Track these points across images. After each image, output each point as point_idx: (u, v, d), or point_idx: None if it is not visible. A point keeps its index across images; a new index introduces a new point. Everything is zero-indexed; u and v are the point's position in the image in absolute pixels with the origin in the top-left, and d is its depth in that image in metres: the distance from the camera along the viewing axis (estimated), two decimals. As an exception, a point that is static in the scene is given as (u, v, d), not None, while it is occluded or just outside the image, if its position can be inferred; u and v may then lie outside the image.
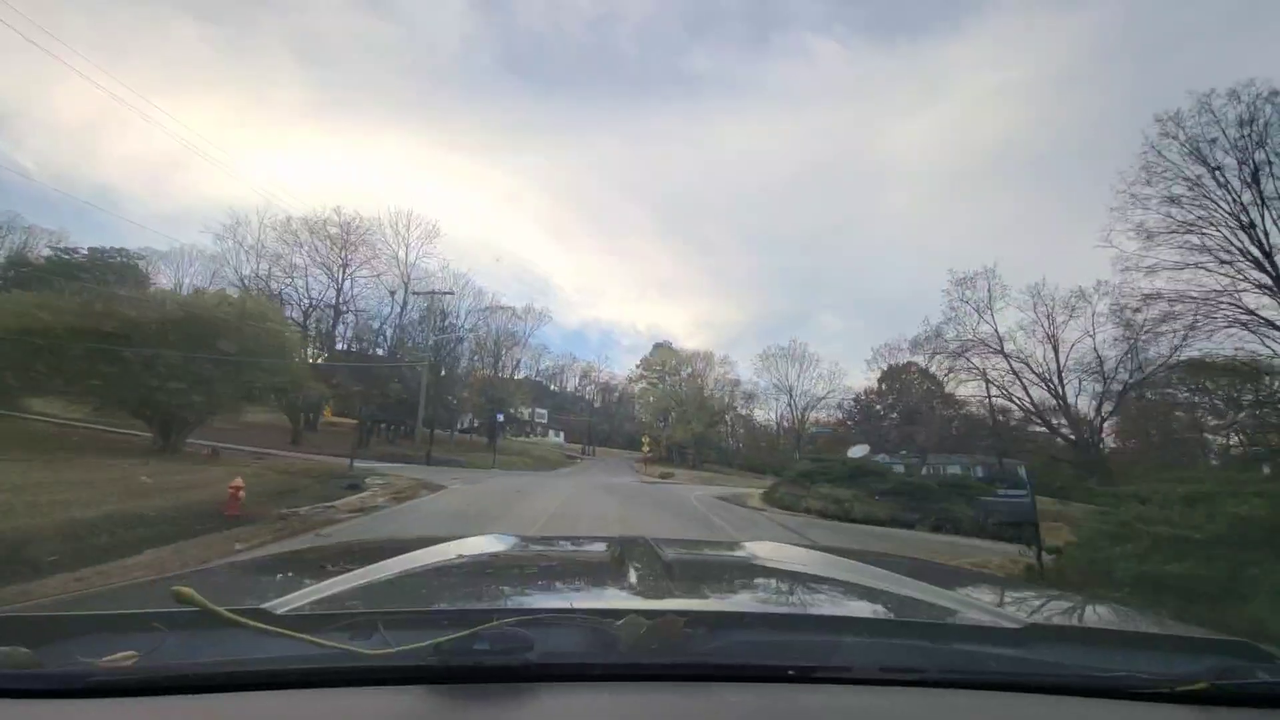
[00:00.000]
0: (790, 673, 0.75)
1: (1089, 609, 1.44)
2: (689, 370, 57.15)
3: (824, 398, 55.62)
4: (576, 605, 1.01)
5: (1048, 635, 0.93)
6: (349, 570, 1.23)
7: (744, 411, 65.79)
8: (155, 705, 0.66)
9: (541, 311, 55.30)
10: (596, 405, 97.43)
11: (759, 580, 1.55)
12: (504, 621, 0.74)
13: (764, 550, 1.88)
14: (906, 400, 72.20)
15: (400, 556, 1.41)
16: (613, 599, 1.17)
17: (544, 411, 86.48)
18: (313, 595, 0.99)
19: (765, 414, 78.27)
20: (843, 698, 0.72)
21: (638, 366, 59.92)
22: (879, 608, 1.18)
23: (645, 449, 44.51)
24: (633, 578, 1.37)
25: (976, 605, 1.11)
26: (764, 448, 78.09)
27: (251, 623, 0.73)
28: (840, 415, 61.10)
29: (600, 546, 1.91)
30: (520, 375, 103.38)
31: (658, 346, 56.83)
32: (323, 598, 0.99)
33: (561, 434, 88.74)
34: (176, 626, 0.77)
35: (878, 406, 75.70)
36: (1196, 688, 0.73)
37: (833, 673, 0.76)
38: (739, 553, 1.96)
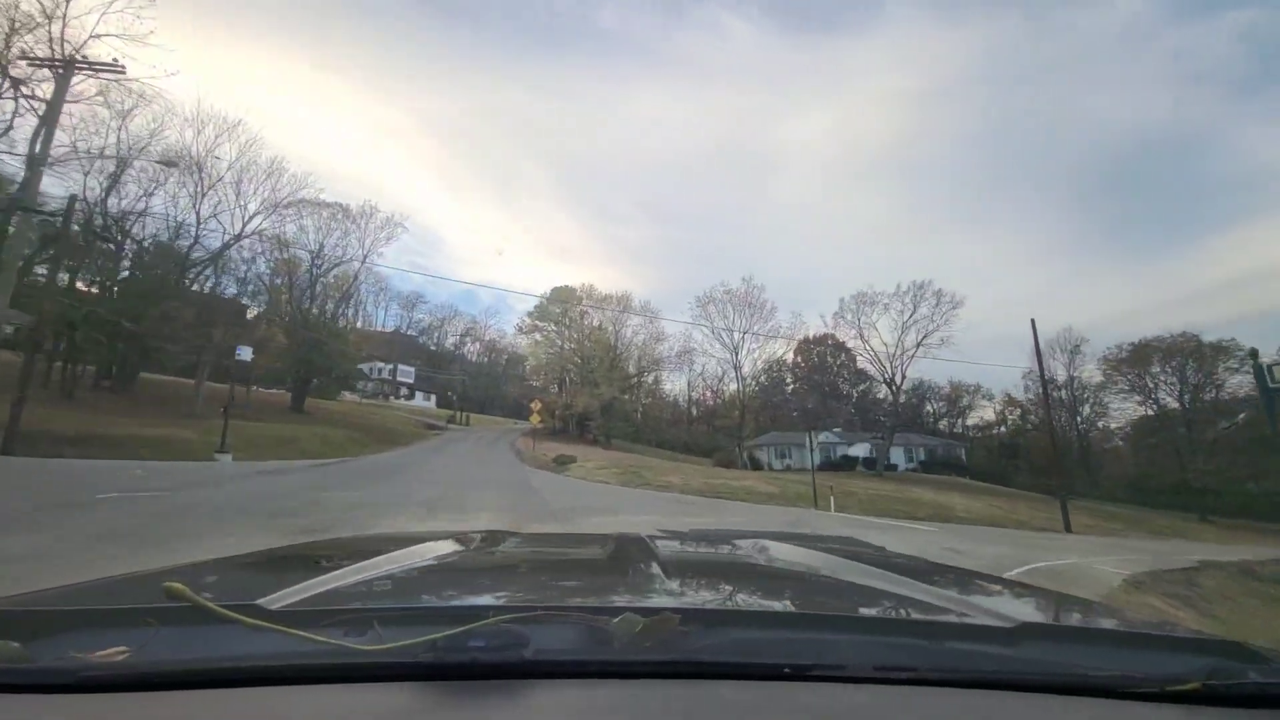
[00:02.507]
0: (785, 670, 0.74)
1: (1081, 608, 1.48)
2: (597, 321, 45.14)
3: (779, 356, 47.24)
4: (571, 602, 0.98)
5: (1040, 634, 0.92)
6: (343, 566, 1.22)
7: (677, 374, 55.20)
8: (147, 701, 0.65)
9: (391, 218, 36.56)
10: (483, 366, 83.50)
11: (754, 578, 1.52)
12: (499, 618, 0.74)
13: (760, 549, 1.90)
14: (823, 375, 67.36)
15: (395, 552, 1.41)
16: (608, 596, 1.15)
17: (409, 369, 70.91)
18: (306, 591, 0.97)
19: (674, 383, 69.17)
20: (837, 696, 0.72)
21: (530, 315, 46.68)
22: (873, 606, 1.18)
23: (534, 419, 32.42)
24: (628, 575, 1.39)
25: (970, 604, 1.10)
26: (668, 420, 69.55)
27: (244, 618, 0.73)
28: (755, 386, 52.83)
29: (596, 544, 1.88)
30: (387, 327, 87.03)
31: (557, 289, 44.15)
32: (316, 594, 0.97)
33: (433, 398, 73.99)
34: (168, 622, 0.76)
35: (789, 381, 70.46)
36: (1188, 688, 0.72)
37: (827, 671, 0.75)
38: (735, 551, 1.96)
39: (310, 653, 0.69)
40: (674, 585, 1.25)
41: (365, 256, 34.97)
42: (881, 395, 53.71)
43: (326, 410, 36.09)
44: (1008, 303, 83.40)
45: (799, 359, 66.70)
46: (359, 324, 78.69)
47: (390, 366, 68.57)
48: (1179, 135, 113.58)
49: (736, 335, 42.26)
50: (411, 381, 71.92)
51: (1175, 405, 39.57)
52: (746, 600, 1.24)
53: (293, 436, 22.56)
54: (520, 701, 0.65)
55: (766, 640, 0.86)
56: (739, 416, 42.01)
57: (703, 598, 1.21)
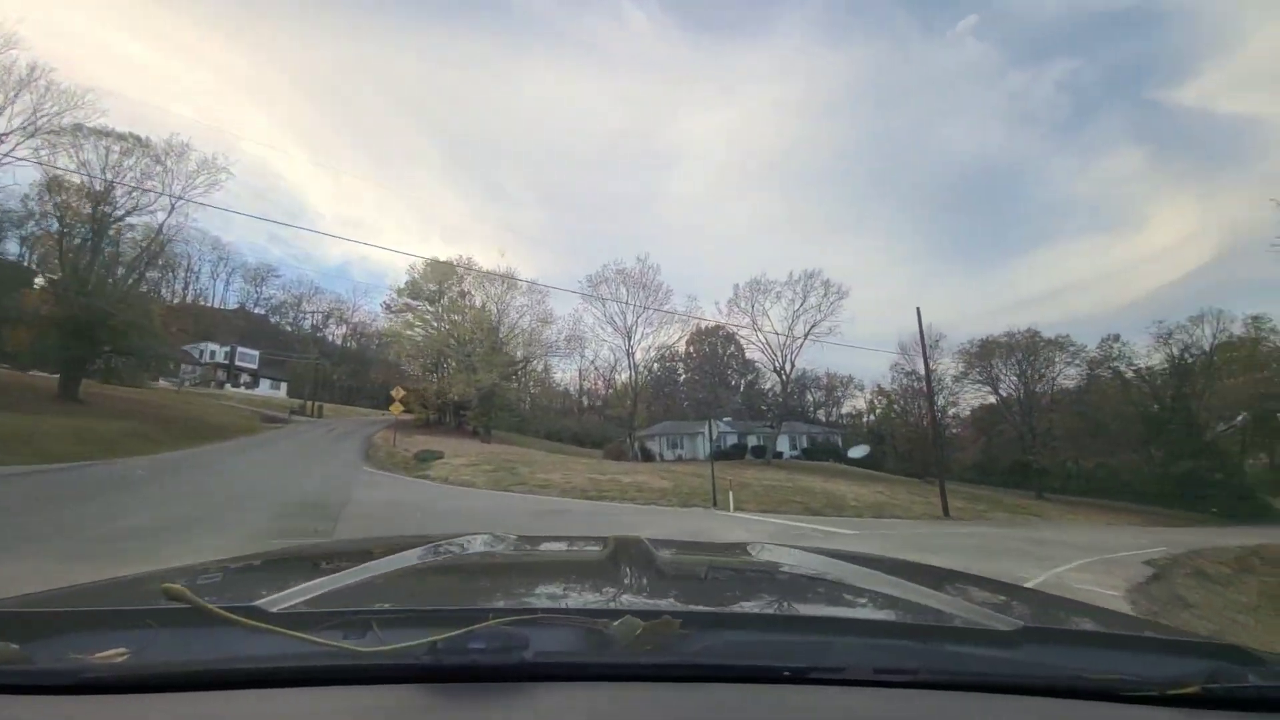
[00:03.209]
0: (785, 673, 0.75)
1: (1081, 611, 1.48)
2: (480, 301, 40.55)
3: (672, 344, 43.98)
4: (572, 605, 1.00)
5: (1040, 637, 0.92)
6: (342, 568, 1.22)
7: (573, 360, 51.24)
8: (146, 702, 0.65)
9: (211, 160, 27.28)
10: (349, 351, 74.04)
11: (754, 581, 1.53)
12: (499, 620, 0.74)
13: (760, 552, 1.88)
14: (715, 364, 68.03)
15: (395, 554, 1.41)
16: (608, 599, 1.15)
17: (251, 353, 60.75)
18: (306, 593, 0.96)
19: (565, 372, 66.03)
20: (836, 698, 0.72)
21: (400, 290, 40.70)
22: (873, 609, 1.18)
23: (396, 409, 27.80)
24: (628, 578, 1.38)
25: (969, 607, 1.09)
26: (558, 411, 66.36)
27: (243, 620, 0.72)
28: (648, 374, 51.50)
29: (596, 546, 1.88)
30: (229, 304, 73.95)
31: (432, 263, 38.91)
32: (316, 596, 0.97)
33: (283, 386, 64.01)
34: (168, 623, 0.77)
35: (681, 371, 70.46)
36: (1187, 691, 0.73)
37: (827, 674, 0.75)
38: (735, 554, 1.96)
39: (310, 654, 0.69)
40: (673, 588, 1.32)
41: (174, 206, 27.51)
42: (768, 386, 54.90)
43: (122, 399, 28.33)
44: (877, 304, 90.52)
45: (692, 349, 66.86)
46: (188, 297, 66.10)
47: (227, 349, 58.12)
48: (1012, 163, 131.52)
49: (629, 318, 40.01)
50: (254, 367, 61.64)
51: (1016, 394, 44.03)
52: (746, 603, 1.25)
53: (32, 432, 16.50)
54: (520, 704, 0.65)
55: (766, 643, 0.86)
56: (631, 406, 39.96)
57: (702, 601, 1.23)
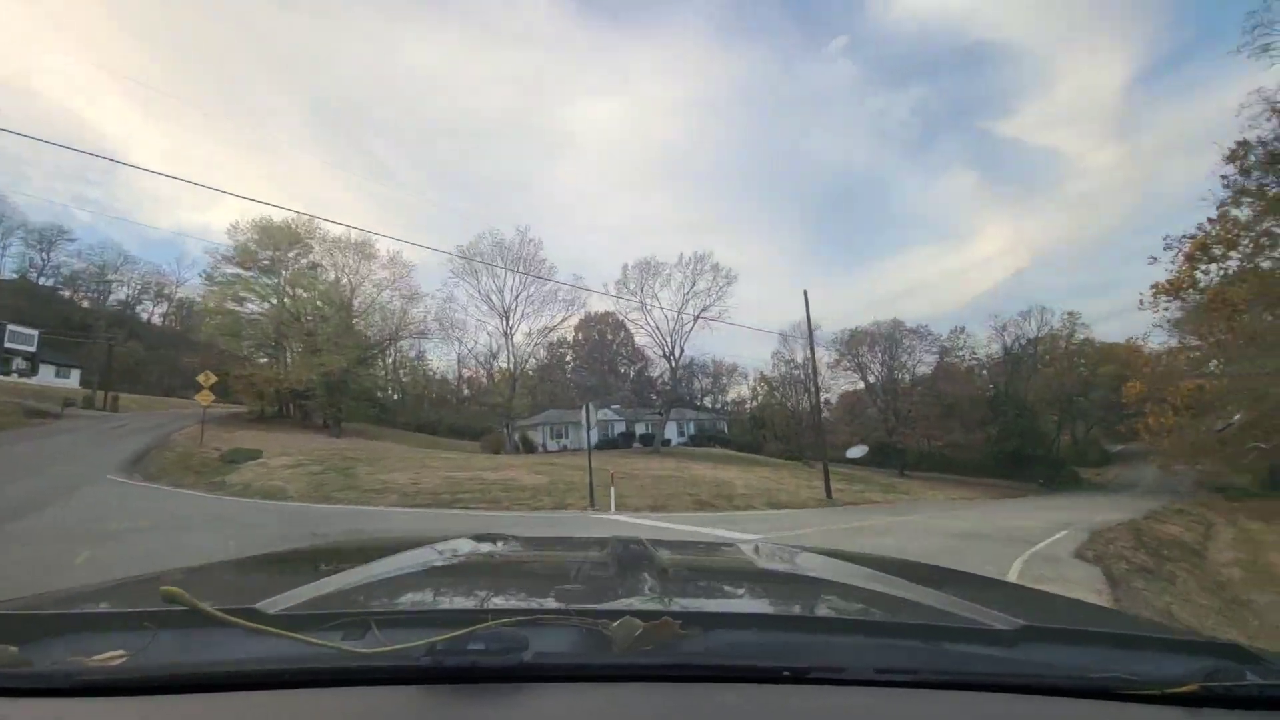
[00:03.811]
0: (785, 674, 0.74)
1: (1081, 610, 1.51)
2: (331, 274, 34.56)
3: (556, 326, 40.08)
4: (571, 606, 0.98)
5: (1040, 636, 0.91)
6: (341, 569, 1.21)
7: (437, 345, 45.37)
8: (145, 705, 0.65)
9: None
10: (168, 333, 61.60)
11: (754, 582, 1.52)
12: (499, 622, 0.74)
13: (759, 552, 1.87)
14: (603, 351, 66.21)
15: (394, 556, 1.41)
16: (608, 600, 1.14)
17: (28, 333, 47.94)
18: (305, 594, 0.97)
19: (442, 358, 60.49)
20: (837, 698, 0.73)
21: (228, 259, 33.32)
22: (873, 609, 1.19)
23: (203, 398, 22.30)
24: (627, 579, 1.38)
25: (969, 606, 1.09)
26: (434, 401, 60.64)
27: (242, 622, 0.72)
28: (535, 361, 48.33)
29: (595, 548, 1.88)
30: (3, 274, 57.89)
31: (267, 227, 32.22)
32: (315, 597, 0.97)
33: (75, 373, 51.50)
34: (166, 625, 0.76)
35: (569, 358, 67.90)
36: (1186, 689, 0.73)
37: (827, 674, 0.75)
38: (734, 554, 1.94)
39: (308, 656, 0.69)
40: (673, 589, 1.30)
41: None
42: (658, 374, 54.05)
43: None
44: (760, 299, 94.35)
45: (580, 336, 64.40)
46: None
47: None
48: (875, 175, 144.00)
49: (507, 297, 36.37)
50: (32, 349, 48.80)
51: (880, 381, 47.15)
52: (746, 604, 1.25)
53: None
54: (520, 705, 0.65)
55: (766, 643, 0.86)
56: (510, 393, 36.58)
57: (702, 601, 1.22)
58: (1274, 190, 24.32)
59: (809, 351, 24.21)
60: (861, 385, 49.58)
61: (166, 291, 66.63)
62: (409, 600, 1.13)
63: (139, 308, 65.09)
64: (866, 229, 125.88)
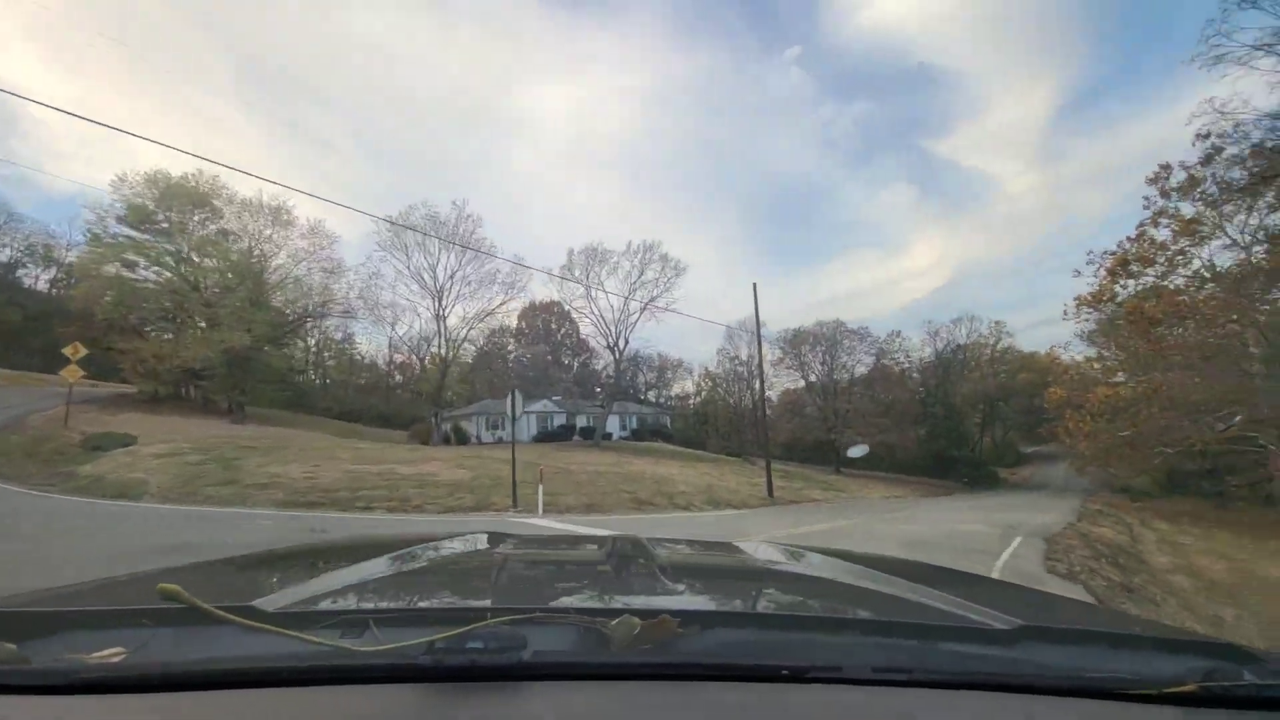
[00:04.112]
0: (783, 672, 0.75)
1: (1079, 610, 1.55)
2: (244, 243, 30.84)
3: (495, 310, 36.73)
4: (570, 604, 1.00)
5: (1038, 636, 0.91)
6: (340, 567, 1.22)
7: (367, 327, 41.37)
8: (143, 702, 0.65)
9: None
10: (54, 300, 54.23)
11: (752, 580, 1.52)
12: (497, 620, 0.74)
13: (757, 551, 1.87)
14: (548, 341, 64.18)
15: (393, 554, 1.41)
16: (606, 598, 1.15)
17: None
18: (303, 592, 0.97)
19: (372, 341, 56.80)
20: (834, 697, 0.73)
21: (120, 218, 28.90)
22: (871, 608, 1.18)
23: (73, 375, 19.10)
24: (626, 577, 1.38)
25: (967, 606, 1.09)
26: (362, 387, 56.72)
27: (240, 619, 0.73)
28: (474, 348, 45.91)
29: (594, 546, 1.88)
30: None
31: (166, 183, 28.22)
32: (313, 595, 0.97)
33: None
34: (165, 623, 0.76)
35: (511, 348, 65.49)
36: (1184, 689, 0.73)
37: (825, 673, 0.75)
38: (733, 553, 1.94)
39: (307, 654, 0.68)
40: (672, 587, 1.28)
41: None
42: (601, 366, 52.72)
43: None
44: (708, 296, 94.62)
45: (524, 325, 62.06)
46: None
47: None
48: (822, 182, 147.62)
49: (440, 275, 33.68)
50: None
51: (821, 380, 47.87)
52: (744, 602, 1.24)
53: None
54: (518, 703, 0.65)
55: (764, 642, 0.86)
56: (440, 379, 34.16)
57: (700, 600, 1.21)
58: (1189, 213, 25.94)
59: (755, 344, 23.60)
60: (802, 384, 50.21)
61: (56, 255, 58.83)
62: (407, 599, 1.11)
63: (21, 271, 56.98)
64: (811, 234, 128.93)
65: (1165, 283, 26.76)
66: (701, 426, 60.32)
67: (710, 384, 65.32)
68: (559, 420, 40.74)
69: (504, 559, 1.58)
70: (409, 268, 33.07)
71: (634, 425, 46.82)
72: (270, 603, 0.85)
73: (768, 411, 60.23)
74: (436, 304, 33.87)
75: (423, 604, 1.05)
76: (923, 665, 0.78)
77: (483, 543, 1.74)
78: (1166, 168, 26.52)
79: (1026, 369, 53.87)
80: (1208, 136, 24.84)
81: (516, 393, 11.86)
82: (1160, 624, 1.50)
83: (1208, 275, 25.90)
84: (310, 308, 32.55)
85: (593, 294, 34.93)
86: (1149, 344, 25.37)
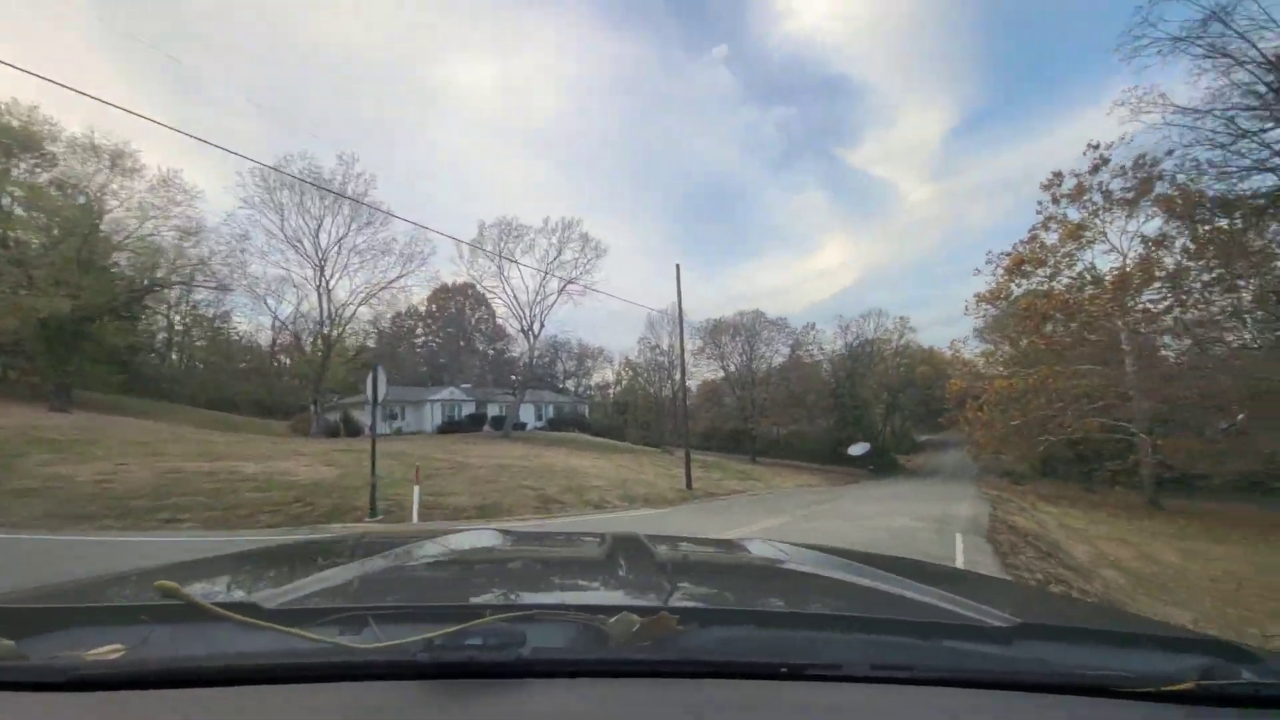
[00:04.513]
0: (781, 670, 0.74)
1: (1078, 608, 1.53)
2: (77, 194, 25.13)
3: (393, 283, 31.74)
4: (569, 601, 0.99)
5: (1036, 634, 0.92)
6: (339, 564, 1.22)
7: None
8: (141, 699, 0.65)
9: None
10: None
11: (751, 578, 1.52)
12: (496, 617, 0.75)
13: (756, 548, 1.85)
14: (460, 325, 60.10)
15: (392, 551, 1.41)
16: (605, 595, 1.15)
17: None
18: (302, 589, 0.96)
19: (252, 320, 50.33)
20: (833, 694, 0.73)
21: None
22: (870, 605, 1.18)
23: None
24: (625, 574, 1.37)
25: (966, 604, 1.08)
26: (241, 371, 50.02)
27: (239, 617, 0.73)
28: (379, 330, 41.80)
29: (593, 543, 1.87)
30: None
31: None
32: (312, 592, 0.97)
33: None
34: (163, 620, 0.76)
35: (419, 332, 60.82)
36: (1182, 687, 0.73)
37: (823, 670, 0.75)
38: (732, 551, 1.94)
39: (305, 651, 0.69)
40: (671, 584, 1.28)
41: None
42: (519, 354, 49.88)
43: None
44: (632, 287, 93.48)
45: (434, 307, 57.61)
46: None
47: None
48: (743, 180, 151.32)
49: (323, 240, 29.10)
50: None
51: (739, 371, 48.15)
52: (743, 599, 1.24)
53: None
54: (517, 700, 0.65)
55: (763, 639, 0.86)
56: (322, 362, 30.10)
57: (699, 597, 1.21)
58: (1074, 219, 27.83)
59: (678, 332, 22.37)
60: (721, 374, 50.30)
61: None
62: (406, 595, 1.11)
63: None
64: (732, 231, 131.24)
65: (1054, 283, 28.67)
66: (621, 416, 59.19)
67: (631, 373, 64.27)
68: (467, 409, 37.75)
69: (503, 556, 1.59)
70: (283, 231, 28.50)
71: (550, 415, 44.64)
72: (269, 600, 0.85)
73: (687, 401, 60.61)
74: (319, 275, 29.62)
75: (421, 601, 1.05)
76: (921, 663, 0.77)
77: (482, 540, 1.74)
78: (1059, 175, 28.27)
79: (925, 363, 57.41)
80: (1097, 147, 26.81)
81: (379, 369, 9.56)
82: (1158, 622, 1.35)
83: (1089, 278, 27.95)
84: (166, 274, 27.41)
85: (505, 273, 32.18)
86: (1040, 339, 27.06)
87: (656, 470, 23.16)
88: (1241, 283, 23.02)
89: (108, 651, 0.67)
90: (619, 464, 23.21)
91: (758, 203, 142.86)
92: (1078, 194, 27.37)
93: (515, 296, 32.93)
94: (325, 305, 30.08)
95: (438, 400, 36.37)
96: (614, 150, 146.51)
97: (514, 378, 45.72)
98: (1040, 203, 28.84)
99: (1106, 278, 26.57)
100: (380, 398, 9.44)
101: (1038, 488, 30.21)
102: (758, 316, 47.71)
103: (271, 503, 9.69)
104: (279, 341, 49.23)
